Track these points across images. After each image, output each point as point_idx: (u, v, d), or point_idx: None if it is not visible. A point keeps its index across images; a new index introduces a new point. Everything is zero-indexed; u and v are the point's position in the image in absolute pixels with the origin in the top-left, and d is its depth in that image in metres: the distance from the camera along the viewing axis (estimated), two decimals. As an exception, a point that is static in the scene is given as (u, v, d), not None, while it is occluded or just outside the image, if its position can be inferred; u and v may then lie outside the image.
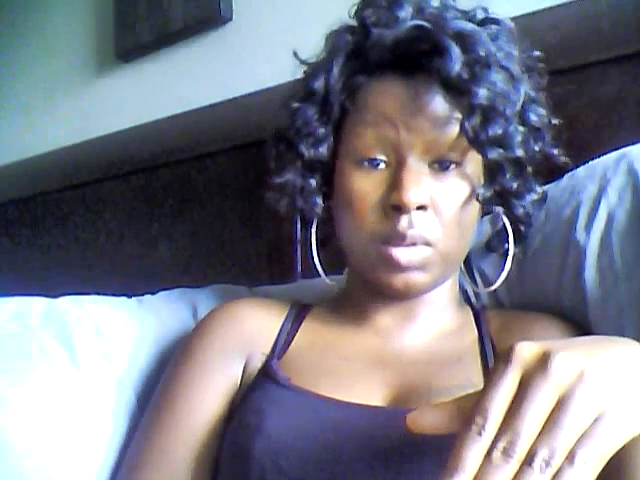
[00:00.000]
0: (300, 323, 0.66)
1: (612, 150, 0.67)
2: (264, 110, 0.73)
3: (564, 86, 0.80)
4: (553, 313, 0.65)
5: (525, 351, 0.37)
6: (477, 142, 0.56)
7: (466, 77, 0.54)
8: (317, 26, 0.60)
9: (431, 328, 0.64)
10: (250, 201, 1.12)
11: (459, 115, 0.56)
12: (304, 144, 0.62)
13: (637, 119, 0.76)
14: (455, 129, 0.56)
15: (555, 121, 0.63)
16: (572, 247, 0.64)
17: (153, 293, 0.82)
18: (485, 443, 0.35)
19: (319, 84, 0.61)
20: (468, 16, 0.59)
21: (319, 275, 0.66)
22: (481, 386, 0.38)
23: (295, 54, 0.65)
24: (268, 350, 0.63)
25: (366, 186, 0.58)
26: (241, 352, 0.63)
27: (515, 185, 0.61)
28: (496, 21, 0.60)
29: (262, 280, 1.02)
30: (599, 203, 0.63)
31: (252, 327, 0.64)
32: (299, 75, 0.65)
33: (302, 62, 0.65)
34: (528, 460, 0.34)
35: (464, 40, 0.55)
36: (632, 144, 0.66)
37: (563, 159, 0.64)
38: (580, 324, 0.63)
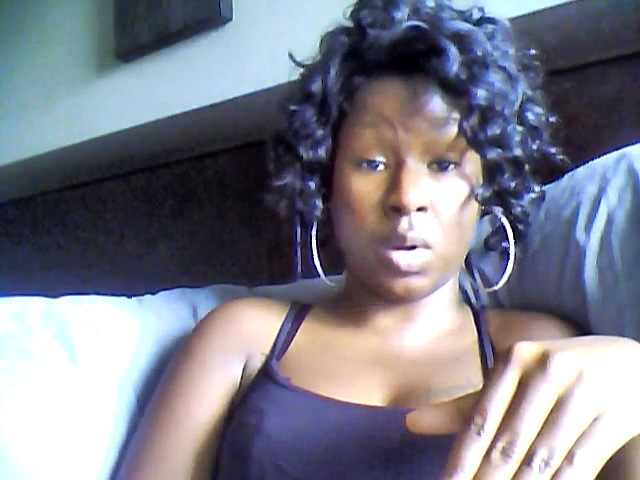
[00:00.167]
0: (300, 323, 0.66)
1: (612, 150, 0.67)
2: (264, 110, 0.72)
3: (564, 86, 0.80)
4: (553, 313, 0.65)
5: (524, 351, 0.37)
6: (476, 142, 0.56)
7: (464, 77, 0.54)
8: (317, 26, 0.60)
9: (431, 328, 0.64)
10: (250, 201, 1.12)
11: (457, 115, 0.56)
12: (303, 146, 0.62)
13: (637, 119, 0.76)
14: (453, 129, 0.56)
15: (552, 119, 0.63)
16: (572, 247, 0.64)
17: (153, 293, 0.82)
18: (484, 443, 0.35)
19: (316, 86, 0.60)
20: (464, 16, 0.59)
21: (319, 275, 0.66)
22: (480, 386, 0.38)
23: (291, 56, 0.65)
24: (268, 350, 0.63)
25: (365, 187, 0.58)
26: (241, 352, 0.63)
27: (513, 184, 0.61)
28: (492, 20, 0.60)
29: (262, 280, 1.02)
30: (599, 203, 0.63)
31: (252, 327, 0.64)
32: (296, 77, 0.64)
33: (297, 64, 0.65)
34: (527, 460, 0.34)
35: (461, 40, 0.55)
36: (632, 144, 0.66)
37: (561, 157, 0.64)
38: (580, 324, 0.63)
